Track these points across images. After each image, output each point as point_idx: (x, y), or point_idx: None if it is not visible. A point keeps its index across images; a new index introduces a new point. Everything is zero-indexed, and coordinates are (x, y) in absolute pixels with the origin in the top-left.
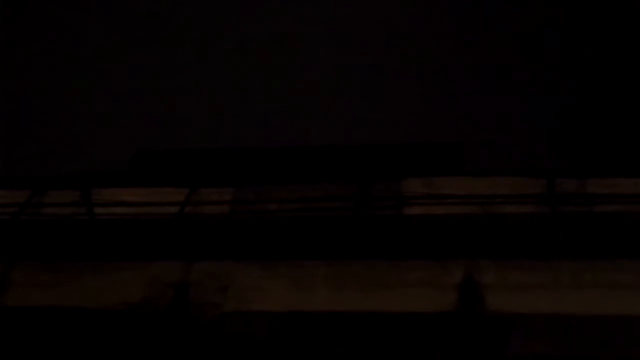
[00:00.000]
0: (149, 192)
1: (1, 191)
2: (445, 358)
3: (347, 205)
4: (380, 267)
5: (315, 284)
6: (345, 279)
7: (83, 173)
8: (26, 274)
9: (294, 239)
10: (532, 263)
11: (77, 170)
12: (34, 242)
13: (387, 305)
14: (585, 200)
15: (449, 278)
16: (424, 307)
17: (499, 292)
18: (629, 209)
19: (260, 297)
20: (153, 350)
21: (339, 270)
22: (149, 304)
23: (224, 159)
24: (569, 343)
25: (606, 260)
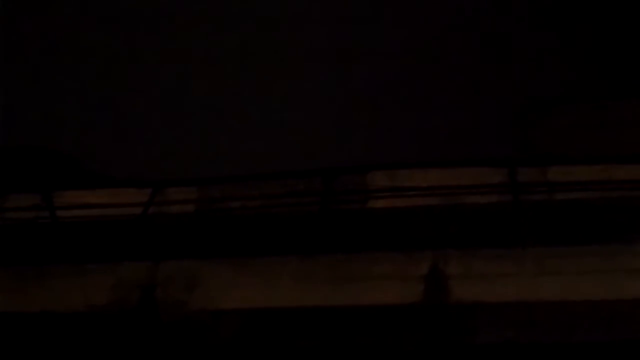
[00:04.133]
0: (112, 193)
1: None
2: (413, 349)
3: (312, 200)
4: (347, 261)
5: (283, 280)
6: (312, 274)
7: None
8: None
9: (260, 236)
10: (497, 252)
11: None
12: None
13: (356, 299)
14: (548, 188)
15: (416, 270)
16: (392, 299)
17: (465, 281)
18: (591, 196)
19: (228, 294)
20: (121, 351)
21: (306, 265)
22: (115, 306)
23: None
24: (536, 329)
25: (570, 246)
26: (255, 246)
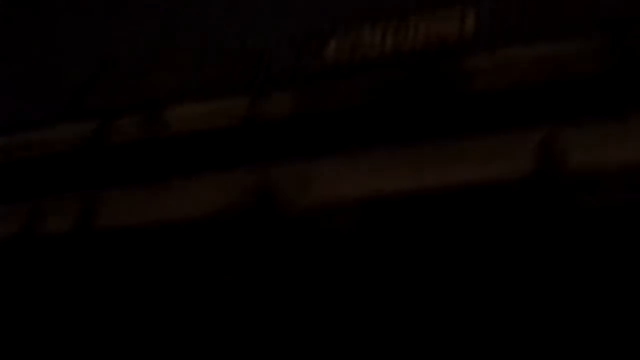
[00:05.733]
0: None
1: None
2: (532, 222)
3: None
4: (453, 144)
5: (395, 168)
6: (423, 159)
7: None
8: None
9: (367, 129)
10: (605, 118)
11: None
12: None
13: (468, 177)
14: None
15: (527, 143)
16: (504, 173)
17: (578, 149)
18: None
19: (342, 186)
20: (238, 255)
21: (416, 151)
22: (229, 211)
23: None
24: None
25: None
26: (365, 138)
